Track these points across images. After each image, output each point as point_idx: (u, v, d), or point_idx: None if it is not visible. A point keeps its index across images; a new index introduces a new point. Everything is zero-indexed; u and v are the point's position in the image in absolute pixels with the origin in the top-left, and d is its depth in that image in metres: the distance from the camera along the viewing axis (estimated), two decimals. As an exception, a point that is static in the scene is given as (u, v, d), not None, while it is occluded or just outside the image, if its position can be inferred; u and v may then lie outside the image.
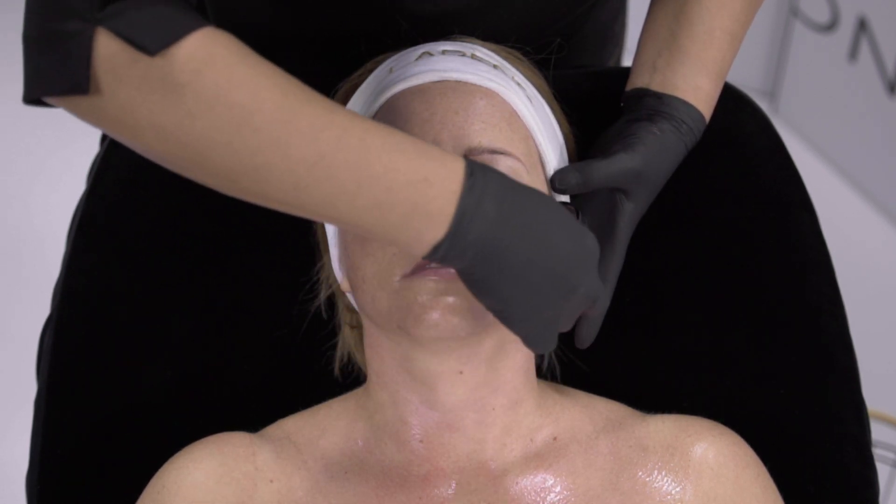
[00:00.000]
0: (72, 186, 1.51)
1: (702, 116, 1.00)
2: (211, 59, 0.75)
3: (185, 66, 0.74)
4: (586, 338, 0.99)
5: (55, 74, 0.75)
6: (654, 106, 0.99)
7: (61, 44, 0.74)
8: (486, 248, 0.80)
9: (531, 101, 0.96)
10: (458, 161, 0.80)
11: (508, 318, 0.84)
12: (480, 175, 0.80)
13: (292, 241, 1.08)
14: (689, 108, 0.99)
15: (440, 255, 0.80)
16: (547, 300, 0.84)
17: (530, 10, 1.07)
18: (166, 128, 0.75)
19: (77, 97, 0.75)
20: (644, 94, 1.01)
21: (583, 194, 0.98)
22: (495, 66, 0.96)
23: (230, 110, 0.75)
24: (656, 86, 1.00)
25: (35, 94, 0.77)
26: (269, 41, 1.13)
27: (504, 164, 0.92)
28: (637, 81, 1.02)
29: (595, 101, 1.08)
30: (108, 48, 0.74)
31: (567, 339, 1.01)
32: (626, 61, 1.28)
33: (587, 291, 0.86)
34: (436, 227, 0.79)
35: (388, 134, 0.79)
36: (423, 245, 0.80)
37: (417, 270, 0.88)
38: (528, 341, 0.86)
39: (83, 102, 0.76)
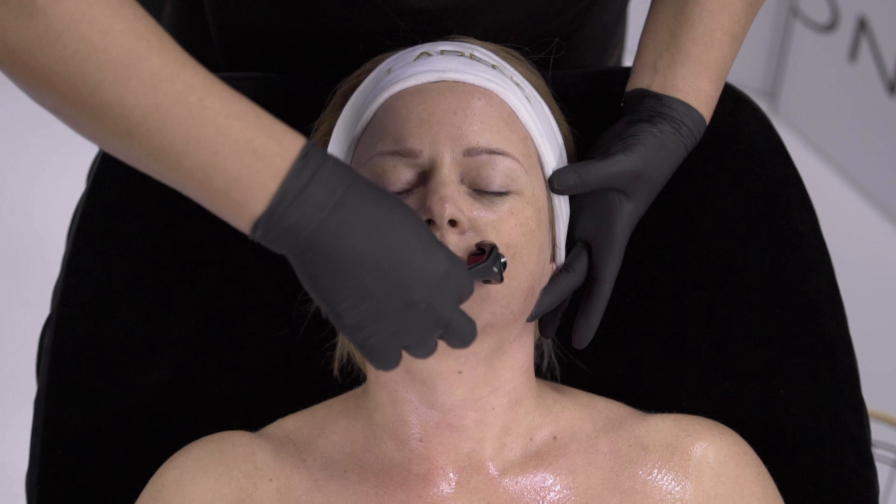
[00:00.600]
0: (72, 186, 1.51)
1: (702, 118, 1.00)
2: None
3: None
4: (583, 338, 0.99)
5: None
6: (655, 107, 0.99)
7: None
8: (308, 235, 0.78)
9: (530, 102, 0.96)
10: (297, 141, 0.79)
11: (339, 322, 0.81)
12: (317, 160, 0.78)
13: (292, 241, 1.08)
14: (690, 109, 0.99)
15: (259, 234, 0.79)
16: (380, 308, 0.80)
17: (527, 6, 1.07)
18: (15, 49, 0.75)
19: None
20: (644, 95, 1.01)
21: (582, 194, 0.98)
22: (494, 67, 0.96)
23: (77, 42, 0.75)
24: (657, 87, 1.00)
25: None
26: (269, 41, 1.14)
27: (502, 165, 0.92)
28: (637, 82, 1.02)
29: (595, 102, 1.08)
30: None
31: (567, 338, 1.01)
32: (627, 62, 1.28)
33: (432, 309, 0.81)
34: (255, 203, 0.78)
35: (232, 100, 0.78)
36: (243, 219, 0.78)
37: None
38: (365, 352, 0.82)
39: None
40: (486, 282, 0.88)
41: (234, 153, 0.77)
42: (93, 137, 0.79)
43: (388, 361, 0.83)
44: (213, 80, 0.78)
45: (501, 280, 0.88)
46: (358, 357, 1.04)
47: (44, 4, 0.74)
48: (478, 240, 0.89)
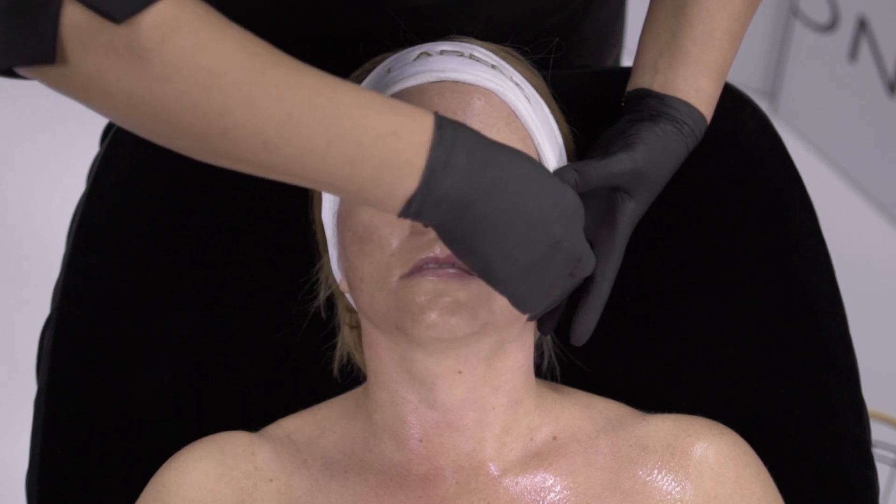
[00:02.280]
0: (72, 186, 1.51)
1: (703, 117, 1.00)
2: (176, 24, 0.75)
3: (151, 33, 0.75)
4: (581, 336, 0.99)
5: (22, 44, 0.75)
6: (656, 107, 0.99)
7: (29, 13, 0.75)
8: (459, 200, 0.80)
9: (529, 101, 0.97)
10: (427, 115, 0.80)
11: (492, 277, 0.84)
12: (450, 128, 0.80)
13: (292, 241, 1.08)
14: (691, 109, 0.99)
15: (413, 209, 0.80)
16: (529, 256, 0.83)
17: (524, 2, 1.07)
18: (135, 94, 0.76)
19: (45, 66, 0.76)
20: (645, 94, 1.01)
21: (583, 193, 0.98)
22: (493, 66, 0.96)
23: (197, 73, 0.75)
24: (658, 87, 1.00)
25: (2, 65, 0.77)
26: (268, 41, 1.13)
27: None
28: (638, 82, 1.02)
29: (595, 101, 1.08)
30: (74, 17, 0.75)
31: (567, 338, 1.01)
32: (626, 61, 1.28)
33: (570, 247, 0.85)
34: (407, 181, 0.79)
35: (356, 91, 0.79)
36: (395, 200, 0.79)
37: (415, 271, 0.88)
38: (515, 301, 0.85)
39: (52, 71, 0.76)
40: None
41: (376, 139, 0.78)
42: (227, 160, 0.79)
43: (538, 306, 0.87)
44: (333, 78, 0.80)
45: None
46: (358, 357, 1.04)
47: (153, 45, 0.75)
48: None
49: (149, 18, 0.75)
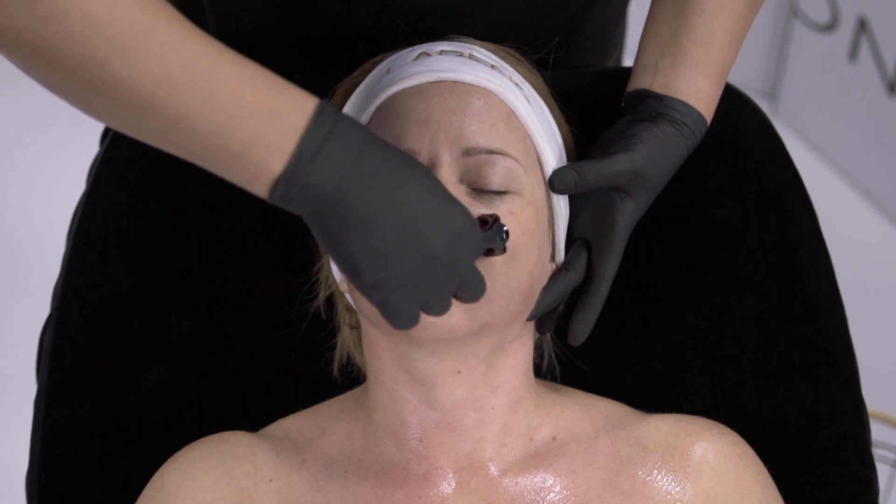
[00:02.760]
0: (72, 186, 1.51)
1: (703, 119, 1.00)
2: None
3: None
4: (579, 336, 0.99)
5: None
6: (656, 107, 0.99)
7: None
8: (329, 193, 0.78)
9: (529, 102, 0.97)
10: (311, 100, 0.79)
11: (359, 280, 0.81)
12: (332, 117, 0.78)
13: (292, 241, 1.08)
14: (691, 110, 0.99)
15: (279, 194, 0.78)
16: (400, 265, 0.80)
17: (526, 3, 1.07)
18: (20, 32, 0.75)
19: None
20: (646, 95, 1.01)
21: (583, 192, 0.98)
22: (493, 67, 0.96)
23: (83, 19, 0.75)
24: (658, 87, 1.00)
25: None
26: (269, 41, 1.14)
27: (502, 165, 0.92)
28: (639, 82, 1.02)
29: (595, 102, 1.08)
30: None
31: (566, 337, 1.01)
32: (627, 62, 1.28)
33: (451, 266, 0.81)
34: (273, 162, 0.77)
35: (243, 64, 0.78)
36: (261, 181, 0.78)
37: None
38: (384, 311, 0.82)
39: None
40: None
41: (249, 114, 0.77)
42: (103, 115, 0.79)
43: (408, 319, 0.83)
44: (222, 48, 0.78)
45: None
46: (358, 357, 1.04)
47: None
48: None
49: None
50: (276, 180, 0.77)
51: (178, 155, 0.80)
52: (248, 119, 0.77)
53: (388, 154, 0.80)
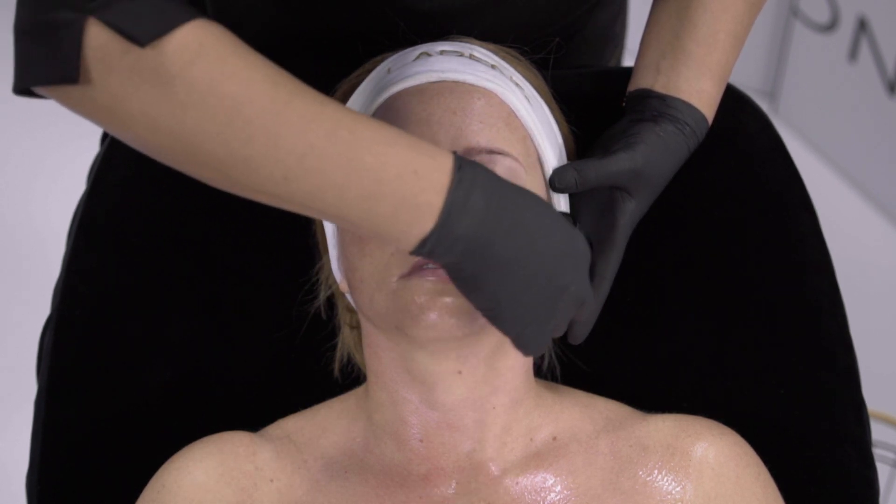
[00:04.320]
0: (72, 186, 1.51)
1: (704, 119, 1.00)
2: (202, 49, 0.75)
3: (176, 58, 0.74)
4: (579, 335, 0.99)
5: (45, 64, 0.75)
6: (658, 107, 0.99)
7: (52, 34, 0.75)
8: (474, 242, 0.80)
9: (529, 101, 0.97)
10: (447, 155, 0.80)
11: (499, 318, 0.84)
12: (469, 169, 0.80)
13: (292, 241, 1.08)
14: (693, 110, 0.99)
15: (427, 248, 0.80)
16: (537, 299, 0.83)
17: (530, 10, 1.07)
18: (157, 119, 0.75)
19: (67, 87, 0.75)
20: (647, 95, 1.01)
21: (584, 192, 0.98)
22: (493, 67, 0.96)
23: (221, 101, 0.75)
24: (660, 87, 1.00)
25: (25, 84, 0.77)
26: (268, 41, 1.14)
27: (502, 165, 0.92)
28: (640, 82, 1.02)
29: (595, 102, 1.08)
30: (98, 38, 0.74)
31: (566, 337, 1.01)
32: (627, 62, 1.28)
33: (577, 292, 0.86)
34: (424, 220, 0.79)
35: (378, 127, 0.79)
36: (411, 239, 0.79)
37: (415, 271, 0.88)
38: (519, 343, 0.86)
39: (74, 92, 0.76)
40: None
41: (396, 177, 0.78)
42: (247, 190, 0.79)
43: (541, 346, 0.87)
44: (355, 113, 0.79)
45: None
46: (358, 357, 1.04)
47: (177, 71, 0.74)
48: None
49: (174, 42, 0.74)
50: (426, 237, 0.79)
51: (321, 219, 0.81)
52: (396, 181, 0.78)
53: (519, 197, 0.82)
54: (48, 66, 0.75)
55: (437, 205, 0.79)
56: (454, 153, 0.81)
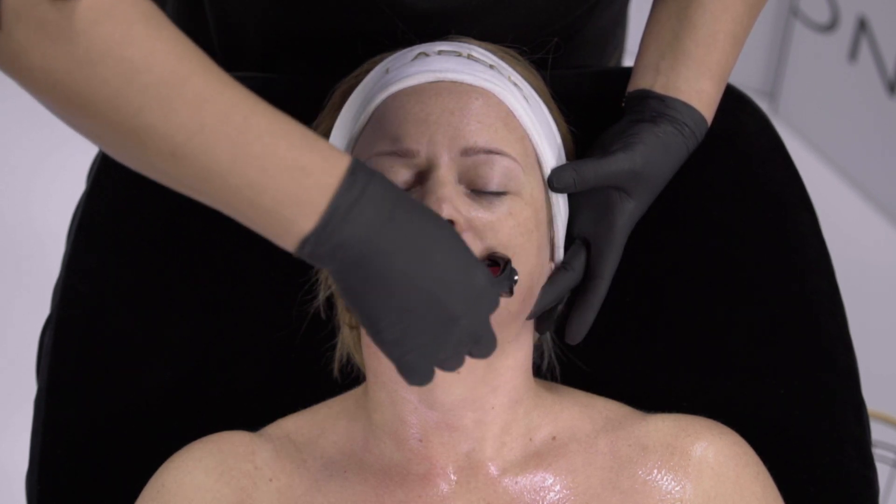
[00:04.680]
0: (72, 186, 1.51)
1: (704, 119, 1.00)
2: (112, 11, 0.74)
3: (83, 15, 0.74)
4: (577, 334, 0.99)
5: None
6: (657, 108, 0.99)
7: None
8: (357, 252, 0.78)
9: (528, 101, 0.96)
10: (343, 158, 0.78)
11: (377, 337, 0.81)
12: (364, 176, 0.78)
13: (292, 241, 1.08)
14: (692, 110, 0.99)
15: (307, 250, 0.78)
16: (422, 324, 0.80)
17: (529, 11, 1.07)
18: (54, 73, 0.74)
19: None
20: (647, 95, 1.01)
21: (583, 191, 0.98)
22: (491, 66, 0.96)
23: (119, 64, 0.74)
24: (659, 88, 1.00)
25: None
26: (269, 41, 1.14)
27: (500, 165, 0.92)
28: (640, 83, 1.02)
29: (595, 102, 1.08)
30: None
31: (566, 338, 1.01)
32: (627, 62, 1.28)
33: (470, 327, 0.82)
34: (305, 219, 0.77)
35: (276, 118, 0.78)
36: (291, 237, 0.78)
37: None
38: (400, 367, 0.82)
39: None
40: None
41: (282, 170, 0.76)
42: (135, 160, 0.78)
43: (424, 376, 0.83)
44: (256, 99, 0.78)
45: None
46: (358, 357, 1.04)
47: (82, 27, 0.74)
48: (478, 242, 0.89)
49: (85, 0, 0.74)
50: (305, 238, 0.77)
51: (207, 204, 0.80)
52: (281, 175, 0.76)
53: (416, 214, 0.80)
54: None
55: (321, 205, 0.77)
56: (354, 159, 0.79)
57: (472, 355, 0.85)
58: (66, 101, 0.75)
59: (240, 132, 0.76)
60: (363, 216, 0.77)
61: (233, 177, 0.76)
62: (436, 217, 0.81)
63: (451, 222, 0.88)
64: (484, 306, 0.83)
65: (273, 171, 0.76)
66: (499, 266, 0.88)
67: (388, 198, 0.79)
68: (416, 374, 0.83)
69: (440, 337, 0.81)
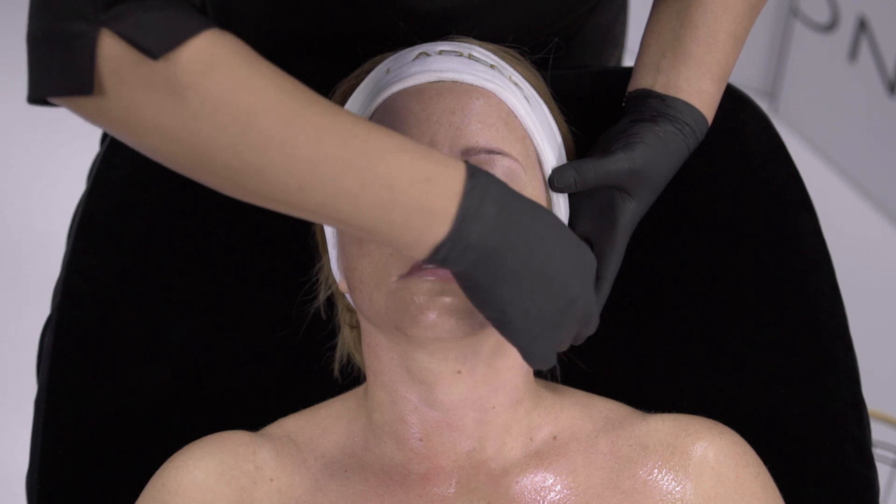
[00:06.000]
0: (72, 186, 1.51)
1: (704, 119, 1.00)
2: (215, 61, 0.75)
3: (188, 69, 0.75)
4: (580, 336, 0.99)
5: (59, 75, 0.75)
6: (658, 107, 0.99)
7: (66, 44, 0.75)
8: (485, 250, 0.80)
9: (528, 101, 0.96)
10: (459, 163, 0.81)
11: (507, 328, 0.84)
12: (481, 177, 0.81)
13: (292, 241, 1.08)
14: (693, 110, 0.99)
15: (441, 256, 0.80)
16: (545, 310, 0.84)
17: (530, 11, 1.07)
18: (170, 130, 0.76)
19: (81, 98, 0.76)
20: (647, 95, 1.01)
21: (584, 192, 0.98)
22: (492, 66, 0.96)
23: (234, 112, 0.75)
24: (660, 87, 1.00)
25: (39, 94, 0.77)
26: (268, 42, 1.14)
27: (501, 165, 0.92)
28: (640, 82, 1.02)
29: (595, 102, 1.08)
30: (112, 50, 0.75)
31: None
32: (627, 62, 1.28)
33: (585, 305, 0.86)
34: (437, 227, 0.79)
35: (390, 135, 0.80)
36: (424, 246, 0.80)
37: (414, 271, 0.88)
38: (526, 354, 0.86)
39: (87, 103, 0.76)
40: None
41: (409, 184, 0.78)
42: (260, 199, 0.79)
43: (548, 360, 0.87)
44: (366, 121, 0.80)
45: None
46: (358, 357, 1.04)
47: (190, 82, 0.75)
48: None
49: (186, 54, 0.75)
50: (440, 244, 0.79)
51: (334, 227, 0.82)
52: (409, 189, 0.78)
53: (526, 207, 0.83)
54: (62, 76, 0.75)
55: (451, 212, 0.79)
56: (467, 162, 0.81)
57: (582, 333, 0.90)
58: (186, 154, 0.77)
59: (362, 155, 0.78)
60: (488, 215, 0.80)
61: (362, 199, 0.78)
62: (540, 207, 0.84)
63: None
64: (591, 283, 0.87)
65: (401, 186, 0.78)
66: None
67: (505, 195, 0.81)
68: (541, 358, 0.86)
69: (562, 319, 0.85)
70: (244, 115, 0.76)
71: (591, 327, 0.90)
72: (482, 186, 0.80)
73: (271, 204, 0.79)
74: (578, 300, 0.85)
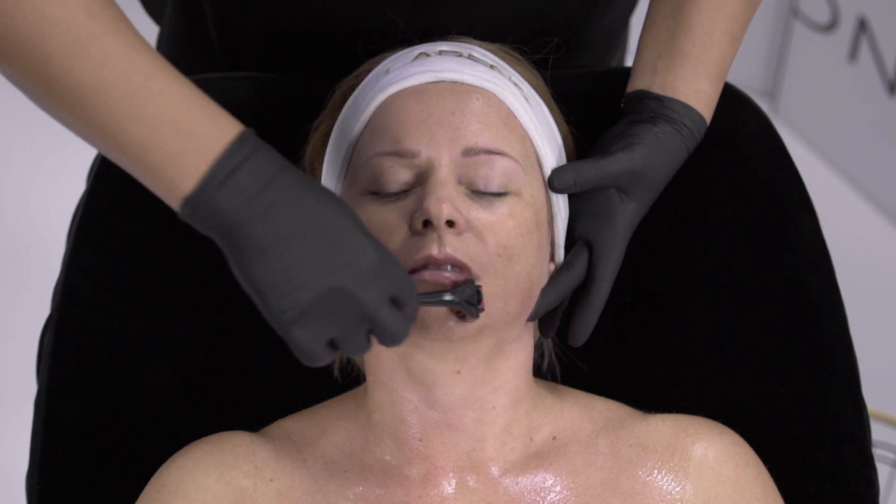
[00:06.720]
0: (72, 186, 1.51)
1: (703, 119, 1.00)
2: None
3: None
4: (579, 336, 0.99)
5: None
6: (656, 108, 0.99)
7: None
8: (233, 217, 0.80)
9: (528, 102, 0.96)
10: (235, 128, 0.82)
11: (264, 308, 0.82)
12: (250, 146, 0.81)
13: (292, 241, 1.08)
14: (691, 111, 0.99)
15: (188, 212, 0.81)
16: (305, 294, 0.81)
17: (527, 1, 1.07)
18: None
19: None
20: (645, 96, 1.01)
21: (583, 193, 0.98)
22: (492, 67, 0.96)
23: (33, 14, 0.78)
24: (657, 88, 1.00)
25: None
26: (269, 41, 1.14)
27: (500, 165, 0.92)
28: (638, 83, 1.02)
29: (595, 102, 1.08)
30: None
31: (566, 337, 1.01)
32: (628, 62, 1.28)
33: (355, 301, 0.81)
34: (186, 181, 0.80)
35: (178, 83, 0.81)
36: (174, 197, 0.81)
37: (414, 271, 0.88)
38: (291, 343, 0.83)
39: None
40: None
41: (171, 132, 0.80)
42: (45, 108, 0.82)
43: (314, 355, 0.83)
44: (163, 65, 0.81)
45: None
46: (358, 358, 1.04)
47: None
48: (477, 243, 0.89)
49: None
50: (185, 199, 0.81)
51: (107, 157, 0.84)
52: (170, 136, 0.80)
53: (298, 185, 0.82)
54: None
55: (201, 170, 0.80)
56: (249, 131, 0.82)
57: (378, 341, 0.84)
58: None
59: (137, 92, 0.80)
60: (241, 182, 0.80)
61: (125, 134, 0.80)
62: (324, 190, 0.83)
63: (450, 223, 0.88)
64: (377, 284, 0.82)
65: (162, 132, 0.80)
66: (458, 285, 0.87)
67: (270, 168, 0.81)
68: (306, 351, 0.83)
69: (325, 311, 0.82)
70: (40, 20, 0.78)
71: (386, 336, 0.83)
72: (246, 155, 0.80)
73: (55, 116, 0.82)
74: (344, 293, 0.81)
